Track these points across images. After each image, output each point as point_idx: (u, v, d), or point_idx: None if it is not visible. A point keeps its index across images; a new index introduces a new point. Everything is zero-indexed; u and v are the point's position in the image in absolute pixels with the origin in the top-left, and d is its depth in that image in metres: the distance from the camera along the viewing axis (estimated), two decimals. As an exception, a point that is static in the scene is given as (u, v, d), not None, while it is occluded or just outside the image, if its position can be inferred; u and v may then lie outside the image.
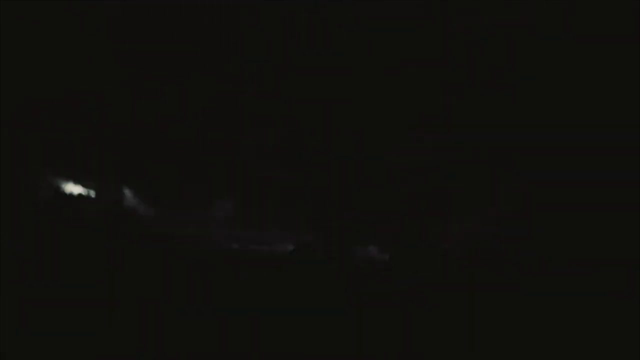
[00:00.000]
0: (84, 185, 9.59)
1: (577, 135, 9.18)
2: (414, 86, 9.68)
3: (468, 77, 9.62)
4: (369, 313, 8.31)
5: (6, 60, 9.44)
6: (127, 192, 9.63)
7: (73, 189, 9.56)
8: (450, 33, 9.56)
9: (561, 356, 7.68)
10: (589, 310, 8.13)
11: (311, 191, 9.66)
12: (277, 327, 8.01)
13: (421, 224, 9.46)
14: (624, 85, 9.13)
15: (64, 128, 9.62)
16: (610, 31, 9.18)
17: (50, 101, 9.60)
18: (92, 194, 9.59)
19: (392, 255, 9.39)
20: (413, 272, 9.11)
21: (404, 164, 9.65)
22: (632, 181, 8.87)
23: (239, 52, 9.74)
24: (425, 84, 9.66)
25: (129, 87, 9.70)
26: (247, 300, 8.47)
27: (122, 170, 9.70)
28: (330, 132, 9.74)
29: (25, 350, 7.33)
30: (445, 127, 9.58)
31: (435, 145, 9.58)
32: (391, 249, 9.42)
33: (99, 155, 9.71)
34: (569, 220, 9.04)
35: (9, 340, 7.36)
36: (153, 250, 9.02)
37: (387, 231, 9.51)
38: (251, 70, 9.75)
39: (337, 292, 8.72)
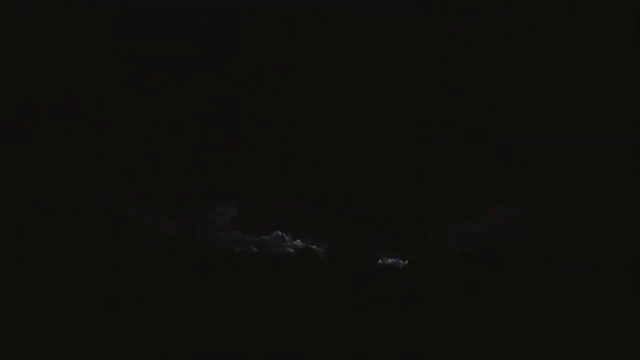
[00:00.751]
0: (84, 186, 9.59)
1: (577, 135, 9.18)
2: (414, 86, 9.68)
3: (468, 77, 9.62)
4: (369, 313, 8.30)
5: (6, 60, 9.45)
6: (127, 192, 9.63)
7: (73, 189, 9.56)
8: (450, 33, 9.57)
9: (561, 356, 7.68)
10: (589, 310, 8.12)
11: (312, 192, 9.66)
12: (277, 327, 8.00)
13: (421, 224, 9.46)
14: (624, 85, 9.13)
15: (64, 128, 9.62)
16: (610, 31, 9.19)
17: (50, 101, 9.61)
18: (92, 194, 9.59)
19: (392, 255, 9.39)
20: (413, 272, 9.11)
21: (404, 164, 9.65)
22: (632, 181, 8.87)
23: (239, 52, 9.75)
24: (425, 84, 9.66)
25: (129, 87, 9.70)
26: (247, 300, 8.47)
27: (122, 170, 9.70)
28: (331, 132, 9.74)
29: (25, 350, 7.33)
30: (445, 127, 9.58)
31: (435, 145, 9.58)
32: (391, 249, 9.42)
33: (99, 156, 9.72)
34: (569, 220, 9.04)
35: (9, 340, 7.35)
36: (153, 251, 9.02)
37: (388, 231, 9.51)
38: (251, 70, 9.76)
39: (337, 293, 8.72)
